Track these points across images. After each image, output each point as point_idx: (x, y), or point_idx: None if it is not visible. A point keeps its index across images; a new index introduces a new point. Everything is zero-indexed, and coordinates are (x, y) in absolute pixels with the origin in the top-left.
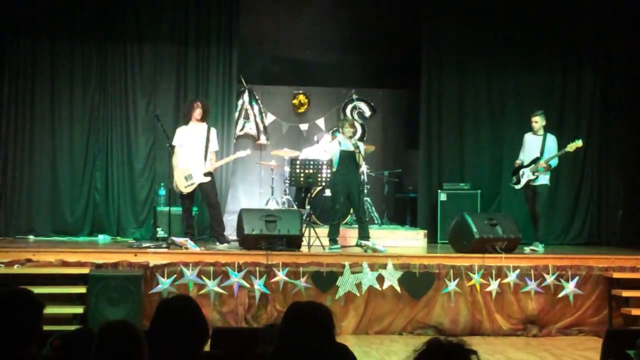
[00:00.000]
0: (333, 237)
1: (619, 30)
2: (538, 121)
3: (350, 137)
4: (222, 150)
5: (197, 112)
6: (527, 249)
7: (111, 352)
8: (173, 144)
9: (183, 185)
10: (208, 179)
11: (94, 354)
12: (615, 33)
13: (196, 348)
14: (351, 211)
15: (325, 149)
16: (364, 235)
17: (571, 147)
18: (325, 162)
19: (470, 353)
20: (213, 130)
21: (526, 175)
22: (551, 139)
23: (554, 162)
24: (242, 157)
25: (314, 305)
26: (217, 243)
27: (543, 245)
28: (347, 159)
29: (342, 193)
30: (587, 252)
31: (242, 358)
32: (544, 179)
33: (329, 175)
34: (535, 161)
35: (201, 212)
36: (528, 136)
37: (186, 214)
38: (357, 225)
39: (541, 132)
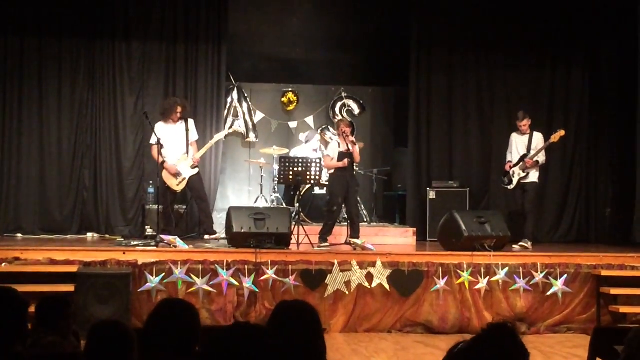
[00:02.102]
0: (324, 236)
1: (608, 27)
2: (524, 124)
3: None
4: (210, 148)
5: (177, 114)
6: (516, 247)
7: (102, 351)
8: (153, 142)
9: (175, 184)
10: (196, 170)
11: (85, 352)
12: (604, 30)
13: (188, 349)
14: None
15: (315, 148)
16: (354, 235)
17: (555, 137)
18: (314, 160)
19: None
20: (191, 121)
21: (516, 174)
22: (538, 136)
23: (542, 158)
24: (230, 153)
25: (301, 304)
26: (206, 236)
27: (531, 242)
28: (344, 159)
29: (340, 194)
30: (576, 250)
31: None
32: (533, 177)
33: (317, 173)
34: (522, 159)
35: (189, 209)
36: (515, 136)
37: (167, 211)
38: (346, 224)
39: (526, 131)
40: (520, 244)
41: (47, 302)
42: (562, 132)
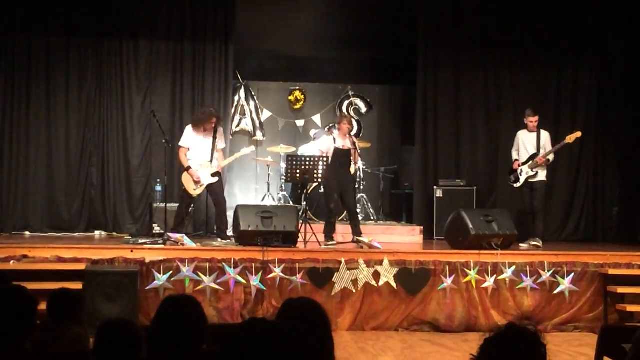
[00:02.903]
0: (329, 234)
1: (615, 26)
2: (534, 120)
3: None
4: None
5: (211, 125)
6: (524, 245)
7: (111, 349)
8: (183, 144)
9: (192, 189)
10: (216, 179)
11: (94, 350)
12: (611, 29)
13: (195, 346)
14: None
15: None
16: (355, 231)
17: (570, 138)
18: (321, 158)
19: (542, 345)
20: (220, 129)
21: (525, 172)
22: (545, 135)
23: (551, 157)
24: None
25: (308, 302)
26: (219, 239)
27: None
28: (341, 157)
29: (335, 191)
30: (583, 249)
31: None
32: (541, 175)
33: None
34: (532, 157)
35: (198, 209)
36: (522, 134)
37: (181, 211)
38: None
39: (535, 129)
40: (533, 243)
41: (60, 296)
42: (578, 134)
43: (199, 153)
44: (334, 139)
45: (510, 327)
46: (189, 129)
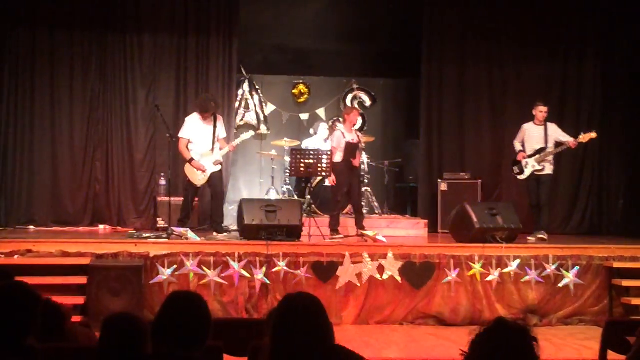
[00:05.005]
0: (334, 227)
1: (620, 20)
2: (545, 110)
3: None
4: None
5: (212, 111)
6: (531, 238)
7: (116, 343)
8: (184, 136)
9: (197, 179)
10: (218, 167)
11: (99, 345)
12: (617, 23)
13: (199, 341)
14: None
15: (325, 138)
16: (361, 225)
17: (584, 137)
18: (325, 152)
19: (532, 339)
20: (220, 117)
21: (530, 165)
22: (553, 127)
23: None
24: (242, 146)
25: (305, 297)
26: (215, 233)
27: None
28: (352, 150)
29: (345, 184)
30: (588, 242)
31: (241, 349)
32: (549, 169)
33: (329, 165)
34: (540, 151)
35: (201, 202)
36: (528, 126)
37: (186, 203)
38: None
39: (543, 120)
40: (539, 236)
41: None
42: (593, 135)
43: (200, 143)
44: (343, 134)
45: (499, 322)
46: (188, 120)
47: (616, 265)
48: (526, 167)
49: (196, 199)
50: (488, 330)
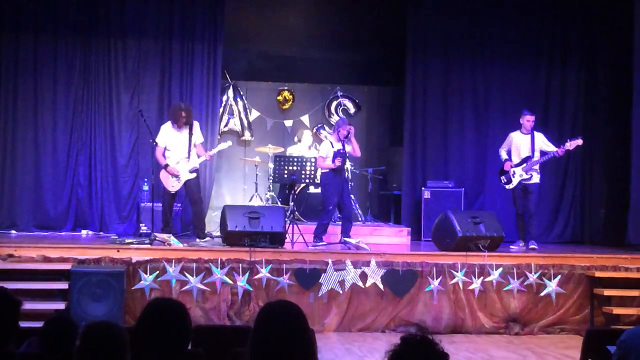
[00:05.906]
0: (319, 234)
1: (603, 27)
2: (532, 119)
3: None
4: (206, 145)
5: (182, 121)
6: (514, 247)
7: (95, 351)
8: (160, 144)
9: (170, 185)
10: (193, 175)
11: (78, 353)
12: (599, 30)
13: (179, 349)
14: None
15: (309, 145)
16: (344, 233)
17: (570, 144)
18: (309, 159)
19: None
20: (196, 124)
21: (518, 174)
22: (540, 136)
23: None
24: (226, 152)
25: (285, 305)
26: (197, 239)
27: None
28: (338, 159)
29: (335, 194)
30: (570, 251)
31: (222, 356)
32: (536, 178)
33: (312, 172)
34: (526, 160)
35: (184, 208)
36: (516, 135)
37: (165, 212)
38: (341, 223)
39: (530, 129)
40: (531, 247)
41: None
42: (579, 141)
43: (175, 150)
44: (331, 143)
45: (405, 343)
46: (163, 128)
47: (598, 274)
48: (513, 176)
49: (178, 205)
50: (395, 353)
